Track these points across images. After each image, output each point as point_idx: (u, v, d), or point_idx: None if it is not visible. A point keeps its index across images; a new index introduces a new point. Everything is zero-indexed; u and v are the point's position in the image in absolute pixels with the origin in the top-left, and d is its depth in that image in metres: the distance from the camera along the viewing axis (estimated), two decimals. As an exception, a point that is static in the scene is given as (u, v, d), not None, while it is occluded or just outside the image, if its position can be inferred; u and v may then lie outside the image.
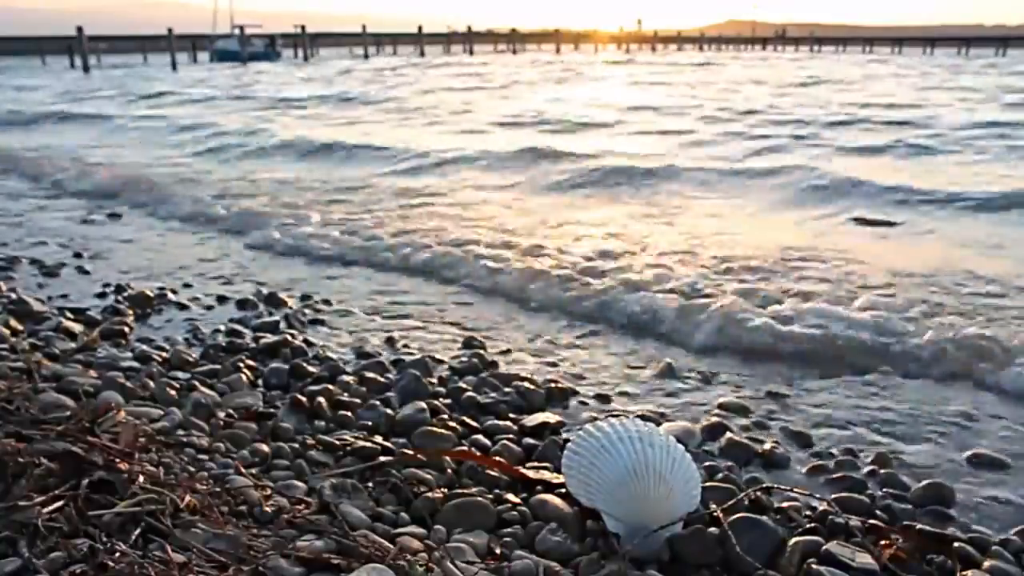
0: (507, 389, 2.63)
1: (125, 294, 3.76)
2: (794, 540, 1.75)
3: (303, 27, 56.32)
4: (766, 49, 73.27)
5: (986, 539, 1.83)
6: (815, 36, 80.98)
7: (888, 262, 4.23)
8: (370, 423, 2.36)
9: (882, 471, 2.16)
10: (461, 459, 2.12)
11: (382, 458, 2.10)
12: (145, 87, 22.06)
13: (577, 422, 2.43)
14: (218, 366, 2.81)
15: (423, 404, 2.45)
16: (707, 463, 2.16)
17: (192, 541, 1.54)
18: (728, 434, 2.36)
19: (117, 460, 1.76)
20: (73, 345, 2.99)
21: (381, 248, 4.67)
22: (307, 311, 3.56)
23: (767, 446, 2.29)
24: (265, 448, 2.15)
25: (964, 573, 1.68)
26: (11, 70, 37.85)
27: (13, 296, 3.63)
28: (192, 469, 1.93)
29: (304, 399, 2.50)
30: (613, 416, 2.12)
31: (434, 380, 2.71)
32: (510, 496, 1.93)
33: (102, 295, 3.79)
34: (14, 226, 5.49)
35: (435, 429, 2.29)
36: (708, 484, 1.97)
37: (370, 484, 1.97)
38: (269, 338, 3.09)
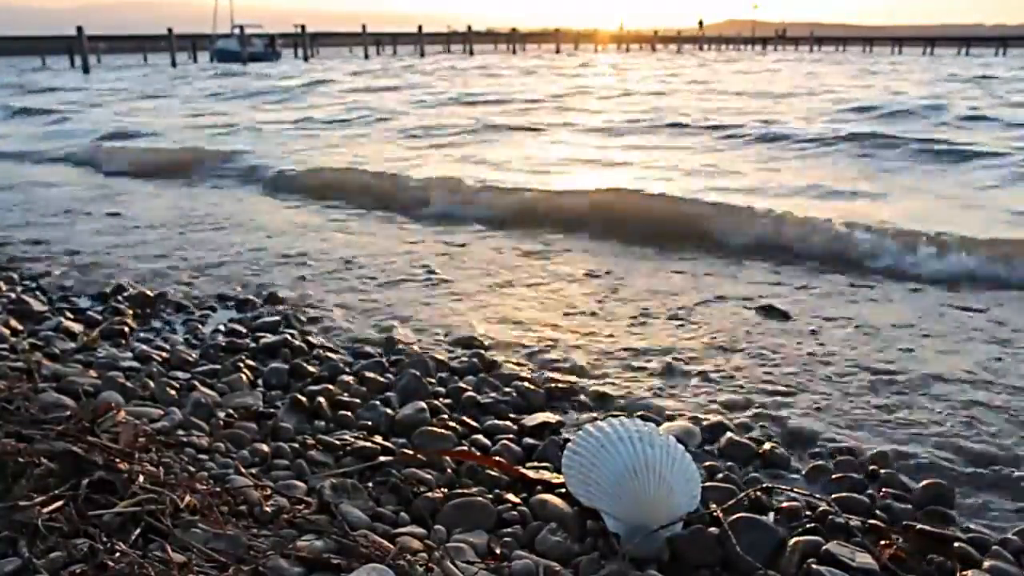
0: (507, 389, 2.63)
1: (125, 294, 3.76)
2: (794, 540, 1.75)
3: (303, 27, 56.32)
4: (766, 49, 73.24)
5: (986, 539, 1.83)
6: (815, 36, 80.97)
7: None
8: (370, 423, 2.37)
9: (882, 471, 2.16)
10: (461, 459, 2.12)
11: (382, 458, 2.10)
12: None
13: (577, 422, 2.43)
14: (218, 366, 2.81)
15: (423, 404, 2.45)
16: (707, 463, 2.16)
17: (192, 541, 1.54)
18: (728, 434, 2.36)
19: (117, 460, 1.76)
20: (73, 345, 2.99)
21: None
22: (307, 311, 3.56)
23: (767, 446, 2.29)
24: (265, 448, 2.15)
25: (964, 573, 1.68)
26: (13, 68, 37.86)
27: (13, 296, 3.63)
28: (192, 469, 1.93)
29: (304, 399, 2.49)
30: (613, 416, 2.13)
31: (434, 380, 2.71)
32: (510, 496, 1.93)
33: (102, 295, 3.79)
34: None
35: (435, 429, 2.29)
36: (708, 484, 1.97)
37: (370, 484, 1.97)
38: (269, 338, 3.09)
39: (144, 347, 2.98)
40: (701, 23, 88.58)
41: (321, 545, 1.58)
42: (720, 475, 2.10)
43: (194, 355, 2.93)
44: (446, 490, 1.94)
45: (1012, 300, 3.71)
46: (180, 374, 2.72)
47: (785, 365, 2.93)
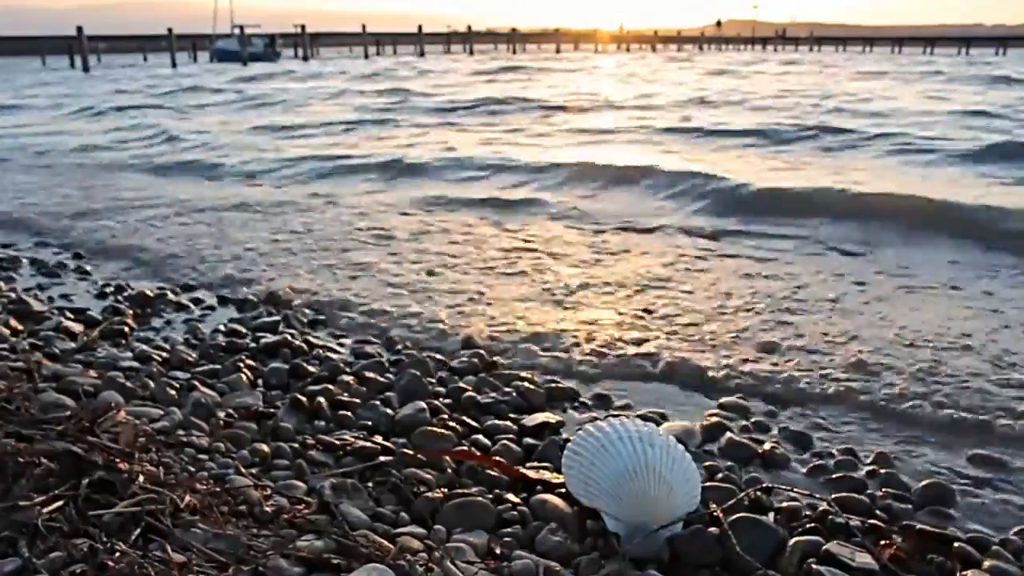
0: (507, 389, 2.63)
1: (125, 294, 3.76)
2: (794, 540, 1.75)
3: (303, 27, 56.36)
4: (766, 49, 73.28)
5: (986, 539, 1.83)
6: (815, 36, 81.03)
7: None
8: (370, 423, 2.37)
9: (882, 471, 2.16)
10: (461, 459, 2.12)
11: (382, 458, 2.10)
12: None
13: (577, 422, 2.42)
14: (218, 366, 2.81)
15: (423, 404, 2.45)
16: (707, 463, 2.16)
17: (192, 541, 1.54)
18: (728, 434, 2.36)
19: (117, 460, 1.76)
20: (73, 345, 2.99)
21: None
22: (307, 311, 3.56)
23: (767, 446, 2.29)
24: (265, 448, 2.15)
25: (964, 573, 1.68)
26: (12, 67, 37.91)
27: (13, 296, 3.63)
28: (192, 469, 1.93)
29: (304, 399, 2.49)
30: (613, 416, 2.13)
31: (434, 380, 2.71)
32: (510, 496, 1.93)
33: (102, 295, 3.79)
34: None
35: (435, 429, 2.29)
36: (708, 484, 1.97)
37: (370, 484, 1.97)
38: (269, 338, 3.09)
39: (144, 347, 2.98)
40: (719, 23, 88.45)
41: (321, 545, 1.58)
42: (720, 475, 2.09)
43: (194, 355, 2.93)
44: (446, 490, 1.94)
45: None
46: (180, 374, 2.72)
47: (786, 364, 2.93)
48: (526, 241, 4.95)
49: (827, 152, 8.50)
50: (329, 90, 19.93)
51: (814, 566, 1.66)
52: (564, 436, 2.27)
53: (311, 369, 2.78)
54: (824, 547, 1.72)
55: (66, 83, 26.89)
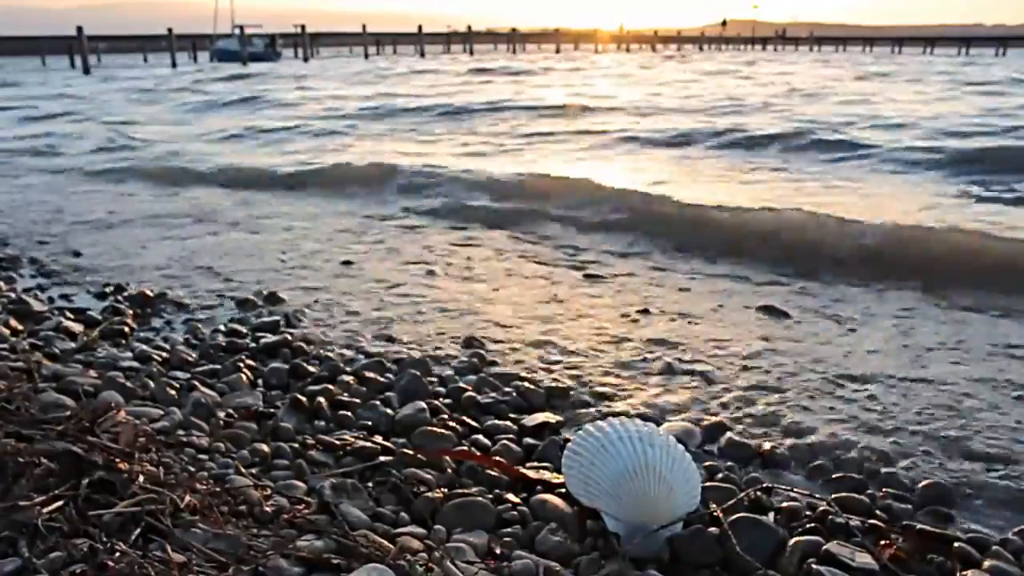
0: (507, 389, 2.63)
1: (125, 294, 3.76)
2: (794, 540, 1.75)
3: (303, 27, 56.39)
4: (766, 49, 73.31)
5: (986, 539, 1.83)
6: (815, 36, 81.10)
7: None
8: (370, 423, 2.37)
9: (882, 471, 2.16)
10: (461, 459, 2.12)
11: (382, 458, 2.10)
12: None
13: (577, 422, 2.42)
14: (218, 366, 2.81)
15: (423, 404, 2.45)
16: (707, 463, 2.16)
17: (192, 541, 1.54)
18: (728, 434, 2.36)
19: (117, 460, 1.76)
20: (73, 345, 2.99)
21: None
22: (307, 310, 3.56)
23: (767, 446, 2.29)
24: (265, 448, 2.15)
25: (964, 573, 1.68)
26: (8, 66, 37.94)
27: (13, 296, 3.62)
28: (192, 469, 1.93)
29: (304, 399, 2.49)
30: (613, 416, 2.13)
31: (434, 380, 2.71)
32: (510, 496, 1.93)
33: (102, 295, 3.79)
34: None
35: (435, 429, 2.29)
36: (708, 484, 1.97)
37: (370, 484, 1.97)
38: (269, 338, 3.09)
39: (144, 347, 2.98)
40: (725, 22, 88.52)
41: (321, 545, 1.58)
42: (720, 475, 2.10)
43: (194, 355, 2.93)
44: (446, 490, 1.94)
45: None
46: (180, 374, 2.72)
47: (786, 365, 2.93)
48: (521, 245, 4.96)
49: (820, 161, 8.47)
50: (322, 91, 19.95)
51: (814, 566, 1.66)
52: (564, 436, 2.27)
53: (311, 369, 2.78)
54: (824, 547, 1.72)
55: (48, 84, 26.77)
